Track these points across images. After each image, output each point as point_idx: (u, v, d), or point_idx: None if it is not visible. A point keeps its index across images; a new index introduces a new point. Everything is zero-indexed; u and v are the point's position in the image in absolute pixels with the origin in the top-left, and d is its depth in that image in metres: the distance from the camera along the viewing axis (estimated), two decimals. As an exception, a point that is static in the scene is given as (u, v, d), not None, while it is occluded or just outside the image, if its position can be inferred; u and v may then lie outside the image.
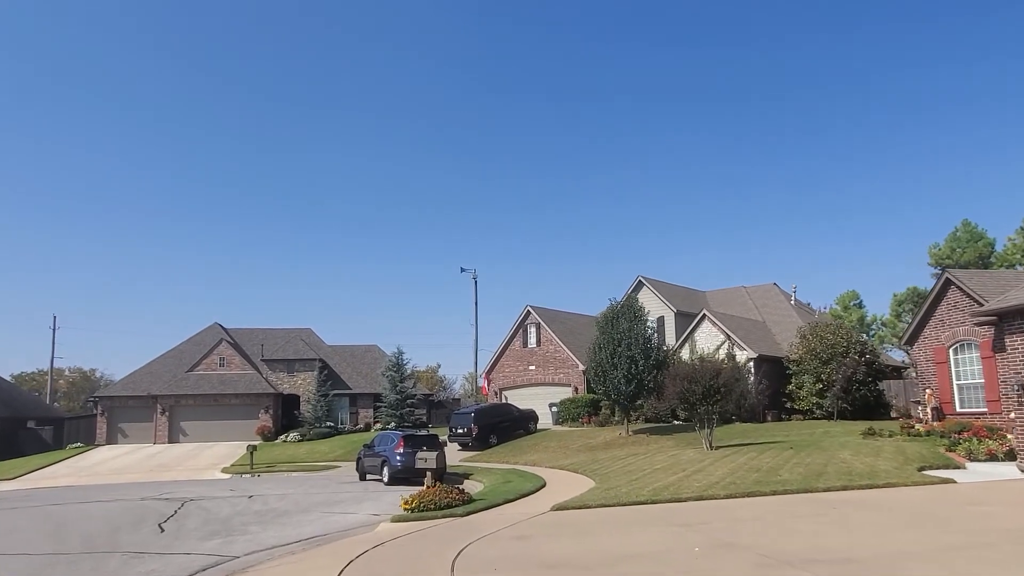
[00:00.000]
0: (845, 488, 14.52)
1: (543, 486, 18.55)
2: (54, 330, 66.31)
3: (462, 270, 55.14)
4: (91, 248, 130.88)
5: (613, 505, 14.06)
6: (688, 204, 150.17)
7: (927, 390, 22.49)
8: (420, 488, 15.75)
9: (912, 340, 23.33)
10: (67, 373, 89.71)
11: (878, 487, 14.56)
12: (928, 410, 21.99)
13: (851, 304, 62.04)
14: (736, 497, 14.16)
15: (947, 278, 21.98)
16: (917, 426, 21.65)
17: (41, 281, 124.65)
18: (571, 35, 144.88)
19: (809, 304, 47.00)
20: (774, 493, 14.33)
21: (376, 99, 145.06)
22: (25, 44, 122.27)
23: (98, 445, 44.08)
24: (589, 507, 14.03)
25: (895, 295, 60.63)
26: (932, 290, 23.42)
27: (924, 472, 15.92)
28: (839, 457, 17.92)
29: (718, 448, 22.24)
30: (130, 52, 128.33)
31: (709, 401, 22.24)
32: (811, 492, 14.34)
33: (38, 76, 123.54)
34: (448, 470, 23.49)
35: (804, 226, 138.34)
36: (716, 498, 14.17)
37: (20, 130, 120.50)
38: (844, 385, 31.28)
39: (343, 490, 22.70)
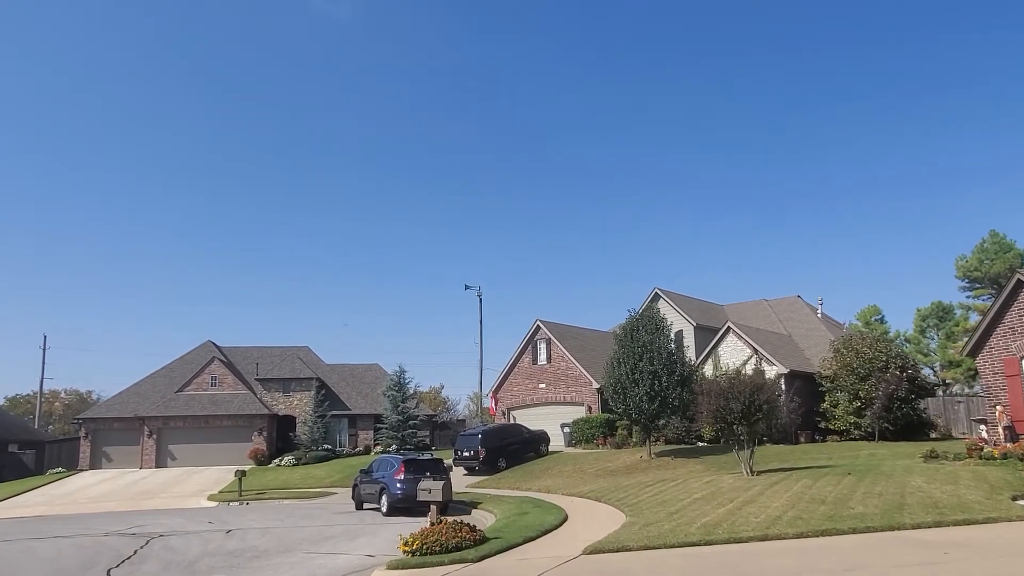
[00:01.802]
0: (938, 524, 11.96)
1: (565, 519, 15.96)
2: (44, 350, 64.05)
3: (466, 287, 52.76)
4: (87, 268, 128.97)
5: (659, 547, 11.47)
6: (699, 220, 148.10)
7: (998, 407, 19.91)
8: (423, 524, 13.23)
9: (976, 350, 20.75)
10: (63, 395, 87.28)
11: (977, 523, 12.00)
12: (1000, 429, 19.38)
13: (872, 319, 59.37)
14: (809, 536, 11.59)
15: (1019, 279, 19.49)
16: (987, 448, 19.03)
17: (37, 302, 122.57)
18: (581, 51, 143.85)
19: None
20: (854, 531, 11.77)
21: (380, 115, 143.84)
22: (19, 53, 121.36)
23: (80, 470, 41.48)
24: (630, 549, 11.45)
25: (919, 310, 58.13)
26: (1000, 294, 20.87)
27: (1020, 503, 13.37)
28: (912, 485, 15.31)
29: (759, 473, 19.65)
30: (129, 65, 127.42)
31: (749, 420, 19.65)
32: (898, 529, 11.78)
33: (29, 89, 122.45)
34: (453, 498, 20.99)
35: (821, 240, 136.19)
36: (784, 538, 11.60)
37: (10, 141, 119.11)
38: (885, 403, 28.68)
39: (336, 522, 20.14)
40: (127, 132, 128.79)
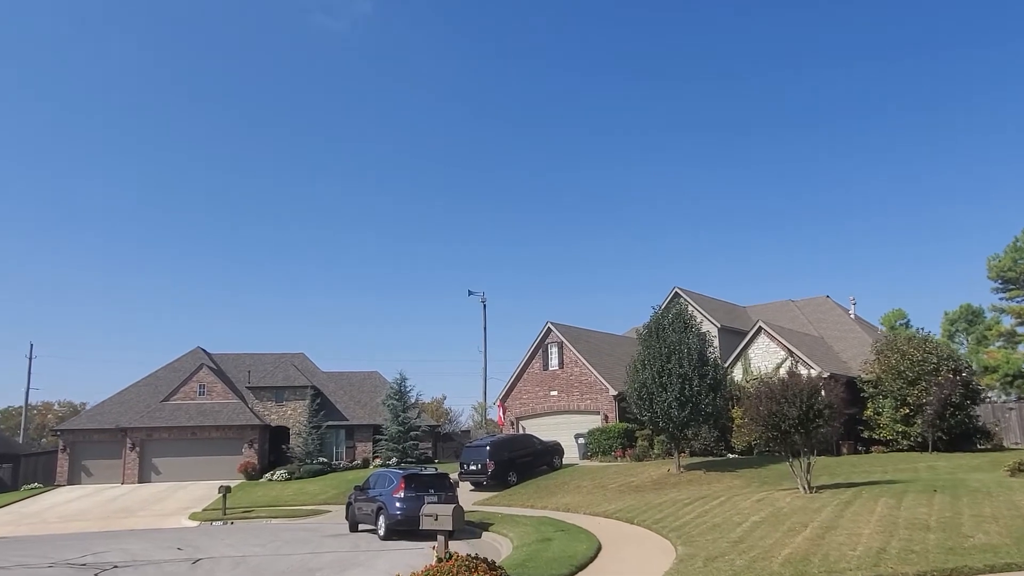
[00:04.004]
0: (1102, 560, 9.17)
1: (599, 549, 13.16)
2: (30, 359, 61.47)
3: (470, 293, 50.52)
4: (81, 277, 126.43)
5: (741, 593, 8.68)
6: (710, 227, 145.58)
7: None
8: (425, 551, 10.48)
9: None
10: (56, 407, 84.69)
11: None
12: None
13: (897, 324, 56.43)
14: (936, 577, 8.81)
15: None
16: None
17: (30, 313, 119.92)
18: (579, 63, 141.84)
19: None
20: (991, 570, 9.00)
21: (380, 127, 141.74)
22: (20, 62, 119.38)
23: (58, 486, 38.58)
24: (703, 597, 8.66)
25: (946, 313, 55.29)
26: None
27: None
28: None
29: (818, 489, 16.86)
30: (125, 78, 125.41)
31: (807, 427, 16.86)
32: (1051, 567, 8.99)
33: (24, 98, 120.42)
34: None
35: (840, 244, 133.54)
36: (904, 580, 8.81)
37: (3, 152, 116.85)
38: (939, 409, 25.84)
39: (326, 547, 17.35)
40: (125, 144, 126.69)
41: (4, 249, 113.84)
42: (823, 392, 16.88)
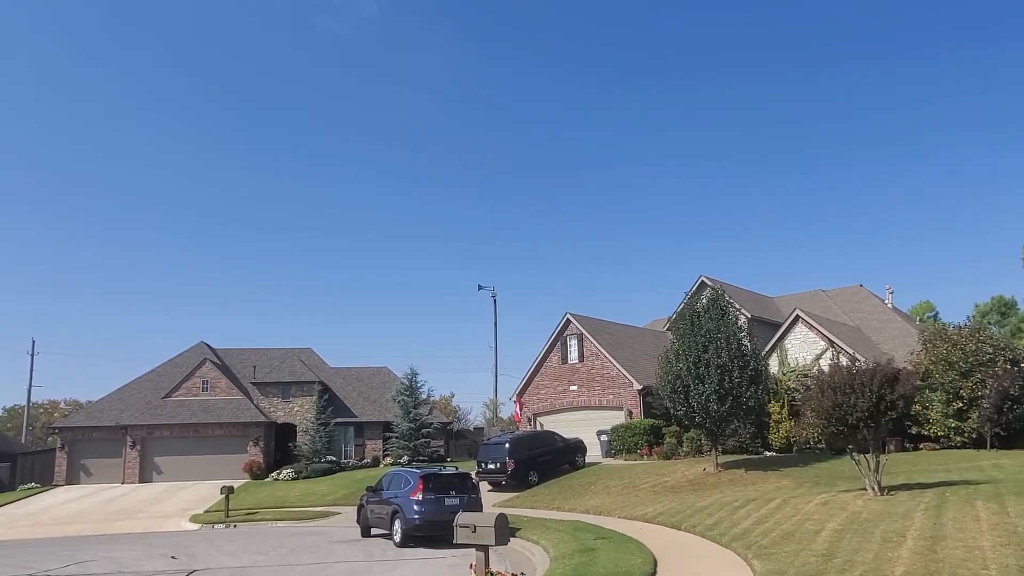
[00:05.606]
0: None
1: (656, 563, 11.26)
2: (32, 356, 59.93)
3: (480, 287, 48.69)
4: (88, 276, 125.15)
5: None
6: (729, 227, 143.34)
7: None
8: (449, 561, 8.63)
9: None
10: (62, 405, 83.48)
11: None
12: None
13: (926, 316, 54.44)
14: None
15: None
16: None
17: (36, 311, 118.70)
18: (577, 62, 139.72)
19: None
20: None
21: (384, 128, 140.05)
22: (21, 59, 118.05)
23: (56, 485, 36.91)
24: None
25: (977, 305, 53.32)
26: None
27: None
28: None
29: (890, 491, 14.98)
30: (131, 78, 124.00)
31: (878, 421, 14.97)
32: None
33: (26, 96, 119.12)
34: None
35: (869, 235, 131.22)
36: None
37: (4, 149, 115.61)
38: (997, 403, 23.85)
39: (335, 555, 15.56)
40: (131, 145, 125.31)
41: (11, 249, 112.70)
42: (899, 380, 14.95)
